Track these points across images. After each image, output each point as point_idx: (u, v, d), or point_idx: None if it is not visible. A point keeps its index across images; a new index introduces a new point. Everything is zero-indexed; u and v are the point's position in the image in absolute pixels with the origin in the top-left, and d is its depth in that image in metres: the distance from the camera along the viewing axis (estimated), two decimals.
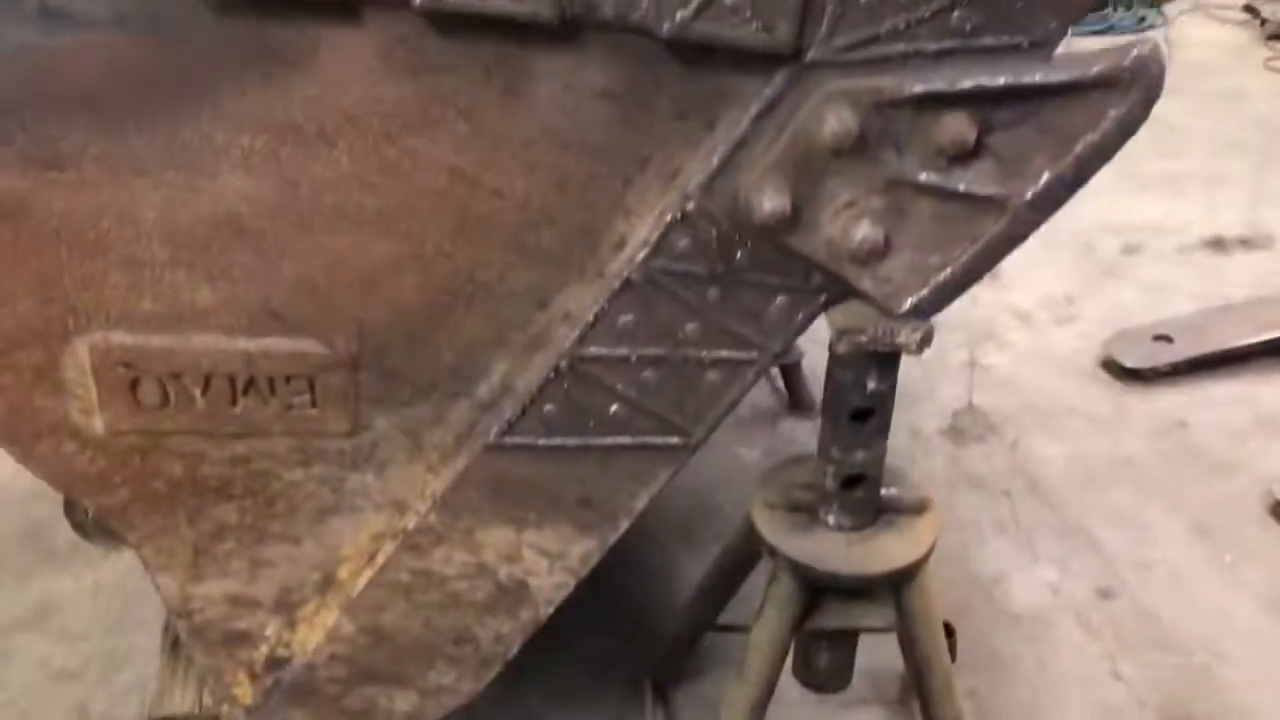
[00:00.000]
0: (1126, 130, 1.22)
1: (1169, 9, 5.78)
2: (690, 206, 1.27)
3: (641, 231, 1.29)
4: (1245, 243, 3.51)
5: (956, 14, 1.19)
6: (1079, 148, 1.22)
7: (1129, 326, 2.99)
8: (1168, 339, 2.88)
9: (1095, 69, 1.19)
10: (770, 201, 1.23)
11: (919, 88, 1.19)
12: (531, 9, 1.13)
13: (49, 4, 1.12)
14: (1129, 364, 2.83)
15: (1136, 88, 1.20)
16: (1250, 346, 2.83)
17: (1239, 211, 3.70)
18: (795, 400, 2.67)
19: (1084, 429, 2.66)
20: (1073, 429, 2.66)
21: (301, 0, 1.12)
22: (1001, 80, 1.19)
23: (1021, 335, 3.04)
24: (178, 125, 1.19)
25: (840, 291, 1.34)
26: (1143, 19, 5.62)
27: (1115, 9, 5.68)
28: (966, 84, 1.19)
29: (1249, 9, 5.63)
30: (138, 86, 1.17)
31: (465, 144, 1.23)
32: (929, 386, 2.81)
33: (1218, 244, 3.52)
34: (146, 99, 1.18)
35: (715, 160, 1.25)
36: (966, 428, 2.66)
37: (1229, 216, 3.66)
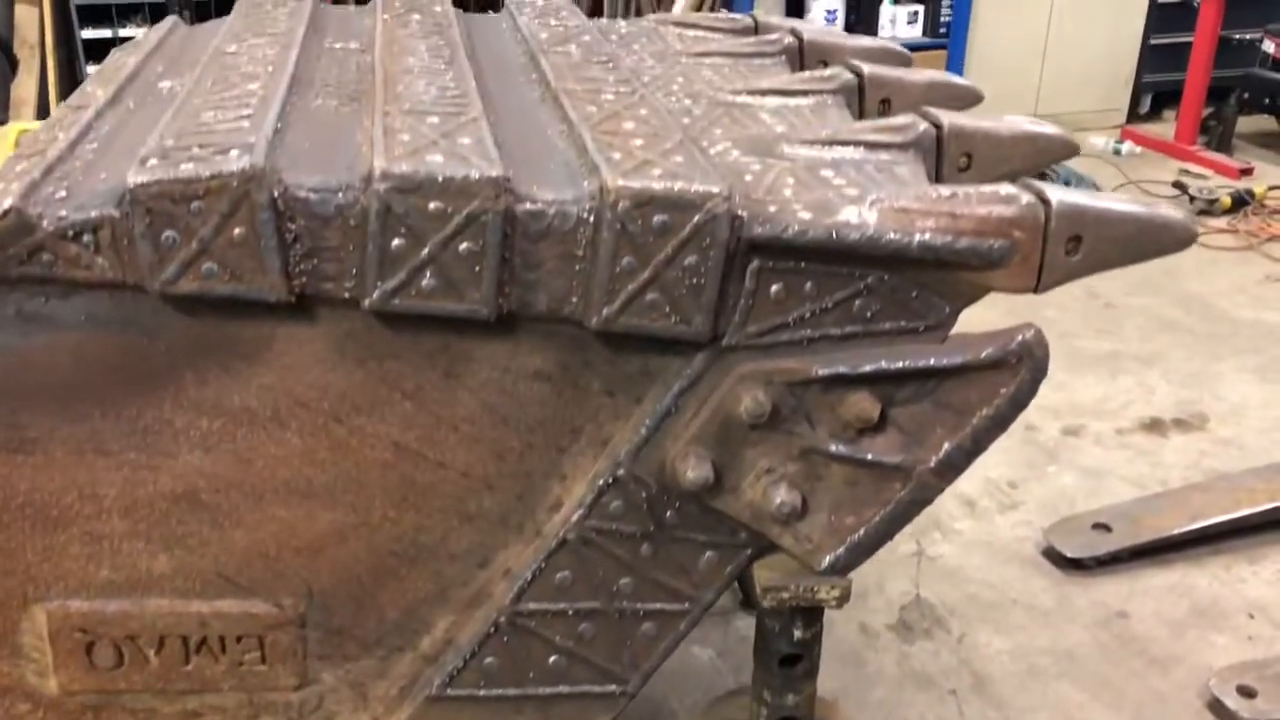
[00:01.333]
0: (1019, 404, 1.33)
1: (1104, 185, 6.08)
2: (621, 472, 1.36)
3: (576, 493, 1.38)
4: (1180, 424, 3.66)
5: (858, 303, 1.31)
6: (975, 420, 1.33)
7: (1070, 514, 3.09)
8: (1106, 528, 2.97)
9: (985, 352, 1.31)
10: (694, 471, 1.32)
11: (824, 370, 1.30)
12: (471, 308, 1.24)
13: (26, 309, 1.22)
14: (1069, 554, 2.91)
15: (1024, 368, 1.31)
16: (1184, 535, 2.93)
17: (1173, 391, 3.87)
18: (749, 598, 2.74)
19: (1027, 620, 2.73)
20: (1016, 621, 2.73)
21: (260, 302, 1.22)
22: (900, 364, 1.30)
23: (966, 524, 3.14)
24: (141, 411, 1.28)
25: (766, 545, 1.43)
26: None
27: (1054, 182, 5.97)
28: (868, 367, 1.30)
29: (1178, 185, 5.93)
30: (105, 378, 1.26)
31: (410, 422, 1.32)
32: (878, 579, 2.88)
33: (1154, 425, 3.66)
34: (113, 389, 1.27)
35: (643, 431, 1.35)
36: (914, 622, 2.73)
37: (1164, 398, 3.82)
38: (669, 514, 1.39)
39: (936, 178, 1.59)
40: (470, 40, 1.90)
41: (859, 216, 1.26)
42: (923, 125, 1.54)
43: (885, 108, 1.82)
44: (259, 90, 1.45)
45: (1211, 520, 2.98)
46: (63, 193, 1.21)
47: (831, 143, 1.51)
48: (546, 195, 1.24)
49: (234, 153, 1.20)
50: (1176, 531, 2.94)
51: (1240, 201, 5.68)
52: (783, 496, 1.34)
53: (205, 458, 1.31)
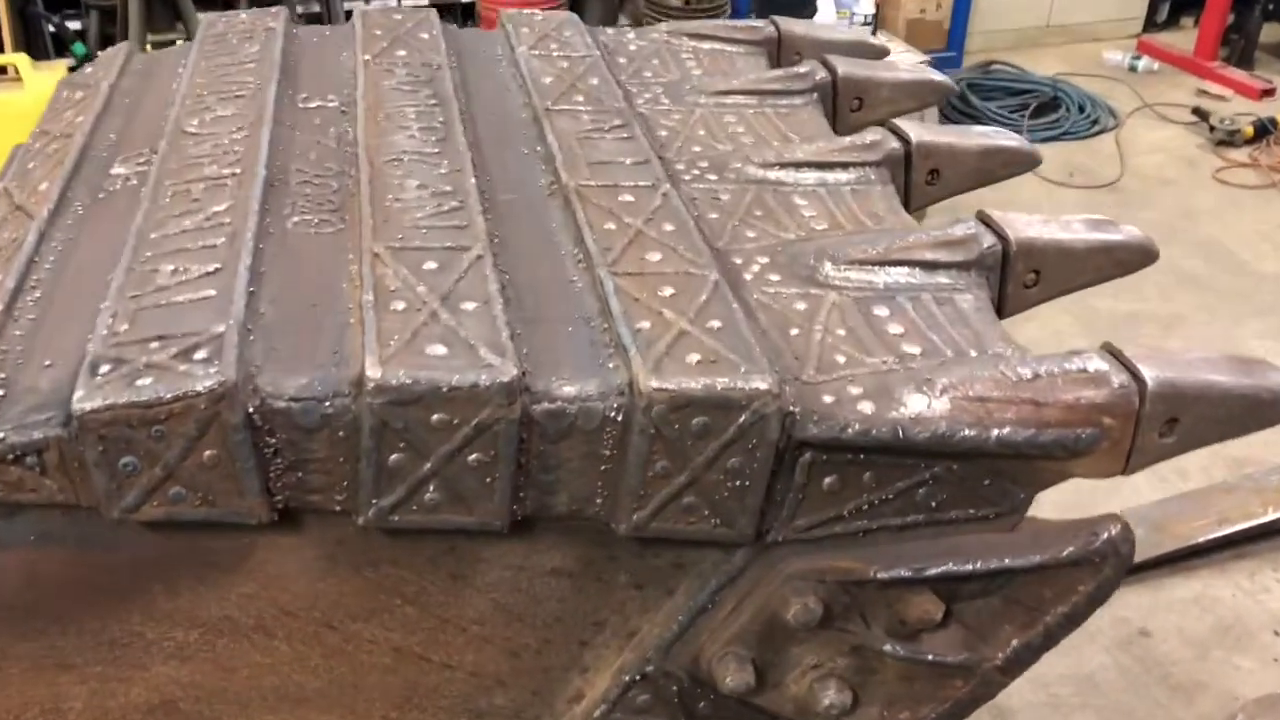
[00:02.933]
0: (1097, 602, 1.18)
1: (1120, 109, 5.83)
2: (650, 668, 1.22)
3: (600, 686, 1.24)
4: None
5: (922, 492, 1.15)
6: (1049, 618, 1.19)
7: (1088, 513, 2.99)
8: None
9: (1067, 551, 1.16)
10: (734, 677, 1.18)
11: (885, 574, 1.15)
12: (483, 520, 1.08)
13: None
14: None
15: (1108, 566, 1.16)
16: (1209, 543, 2.84)
17: None
18: None
19: None
20: None
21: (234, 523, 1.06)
22: (970, 566, 1.15)
23: None
24: (105, 625, 1.13)
25: None
26: (1095, 120, 5.66)
27: (1068, 112, 5.71)
28: (933, 570, 1.15)
29: (1198, 112, 5.68)
30: (62, 595, 1.11)
31: (412, 626, 1.17)
32: None
33: None
34: (70, 605, 1.11)
35: (675, 627, 1.20)
36: None
37: None
38: (702, 705, 1.25)
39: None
40: (465, 89, 1.68)
41: (928, 408, 1.09)
42: (988, 240, 1.35)
43: (934, 178, 1.63)
44: (226, 216, 1.25)
45: (1237, 527, 2.88)
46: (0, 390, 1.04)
47: (883, 263, 1.33)
48: (568, 390, 1.06)
49: (200, 354, 1.02)
50: (1202, 540, 2.84)
51: (1263, 130, 5.44)
52: (831, 697, 1.20)
53: (182, 667, 1.16)
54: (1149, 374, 1.13)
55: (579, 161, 1.47)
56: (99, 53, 4.34)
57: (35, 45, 5.09)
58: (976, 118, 5.57)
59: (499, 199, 1.42)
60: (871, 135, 1.60)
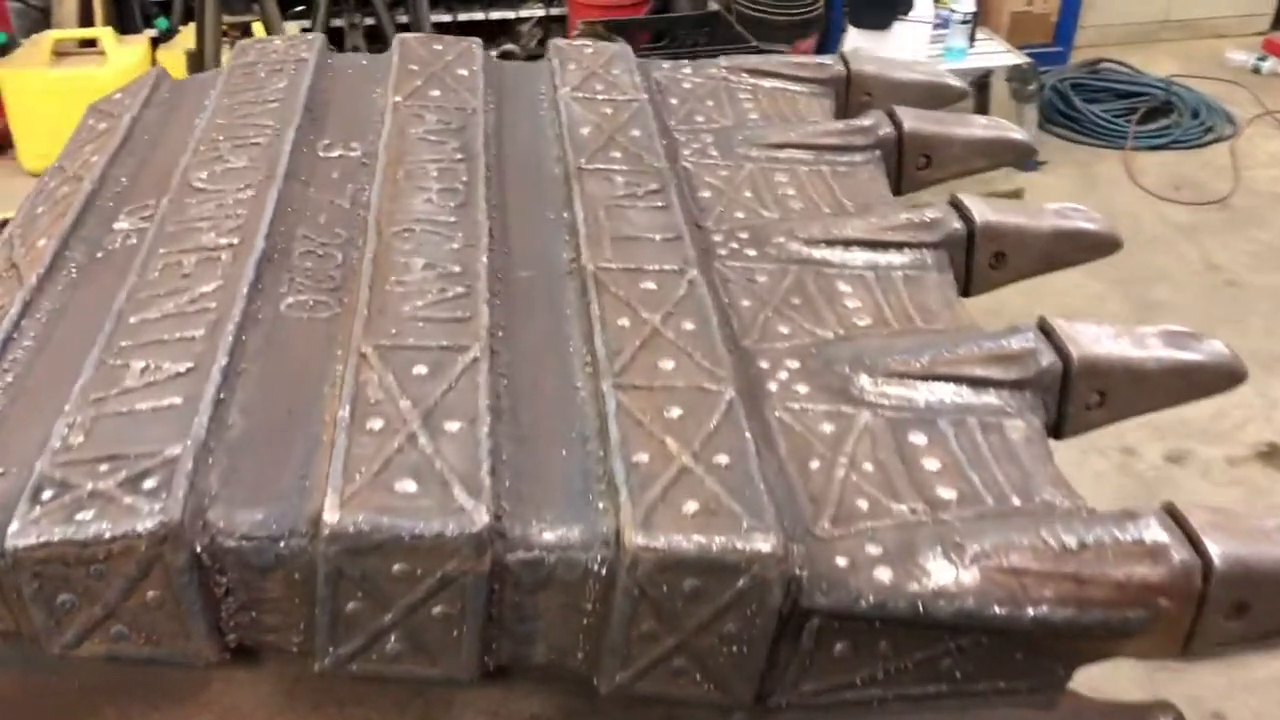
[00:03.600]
0: None
1: (1239, 115, 5.48)
2: None
3: None
4: None
5: (946, 662, 1.02)
6: None
7: None
8: None
9: None
10: None
11: None
12: (449, 673, 0.99)
13: None
14: None
15: None
16: None
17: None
18: None
19: None
20: None
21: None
22: None
23: None
24: None
25: None
26: (1210, 128, 5.32)
27: (1180, 117, 5.39)
28: None
29: None
30: (12, 714, 1.04)
31: None
32: None
33: (1273, 454, 3.29)
34: None
35: None
36: None
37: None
38: None
39: None
40: (499, 137, 1.58)
41: (955, 581, 0.96)
42: (1046, 358, 1.21)
43: (999, 262, 1.47)
44: (213, 300, 1.17)
45: None
46: None
47: (927, 377, 1.19)
48: (548, 537, 0.96)
49: (149, 482, 0.94)
50: None
51: None
52: None
53: None
54: (1216, 550, 0.98)
55: (603, 236, 1.35)
56: (179, 28, 4.29)
57: (126, 17, 5.12)
58: (1078, 120, 5.29)
59: (515, 275, 1.31)
60: (931, 212, 1.46)
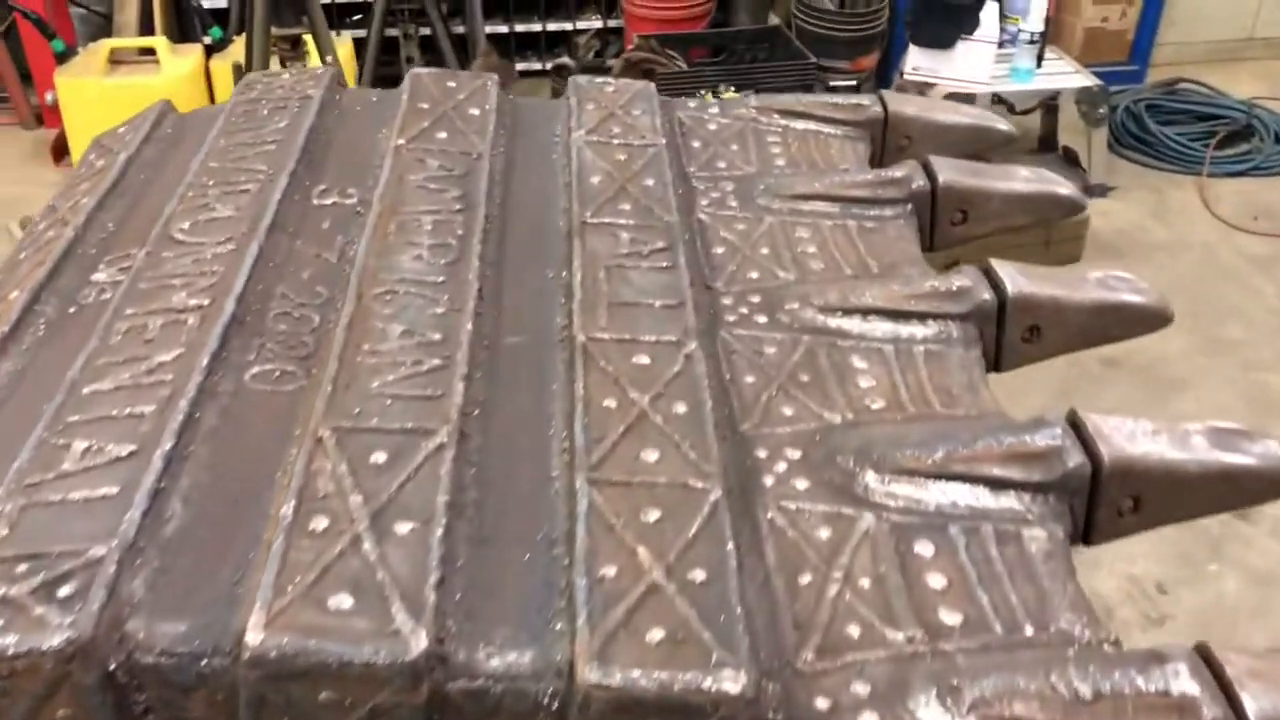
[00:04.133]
0: None
1: None
2: None
3: None
4: None
5: None
6: None
7: (1231, 636, 2.63)
8: None
9: None
10: None
11: None
12: None
13: None
14: None
15: None
16: None
17: None
18: None
19: None
20: None
21: None
22: None
23: None
24: None
25: None
26: None
27: (1262, 142, 5.15)
28: None
29: None
30: None
31: None
32: None
33: None
34: None
35: None
36: None
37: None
38: None
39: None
40: (506, 184, 1.49)
41: None
42: (1074, 458, 1.09)
43: (1033, 336, 1.35)
44: (170, 371, 1.10)
45: None
46: None
47: (943, 475, 1.08)
48: (494, 664, 0.87)
49: (65, 589, 0.87)
50: None
51: None
52: None
53: None
54: (1254, 707, 0.86)
55: (599, 301, 1.26)
56: (234, 37, 4.27)
57: (187, 26, 5.15)
58: (1151, 143, 5.08)
59: (502, 342, 1.23)
60: (960, 280, 1.34)
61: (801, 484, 1.08)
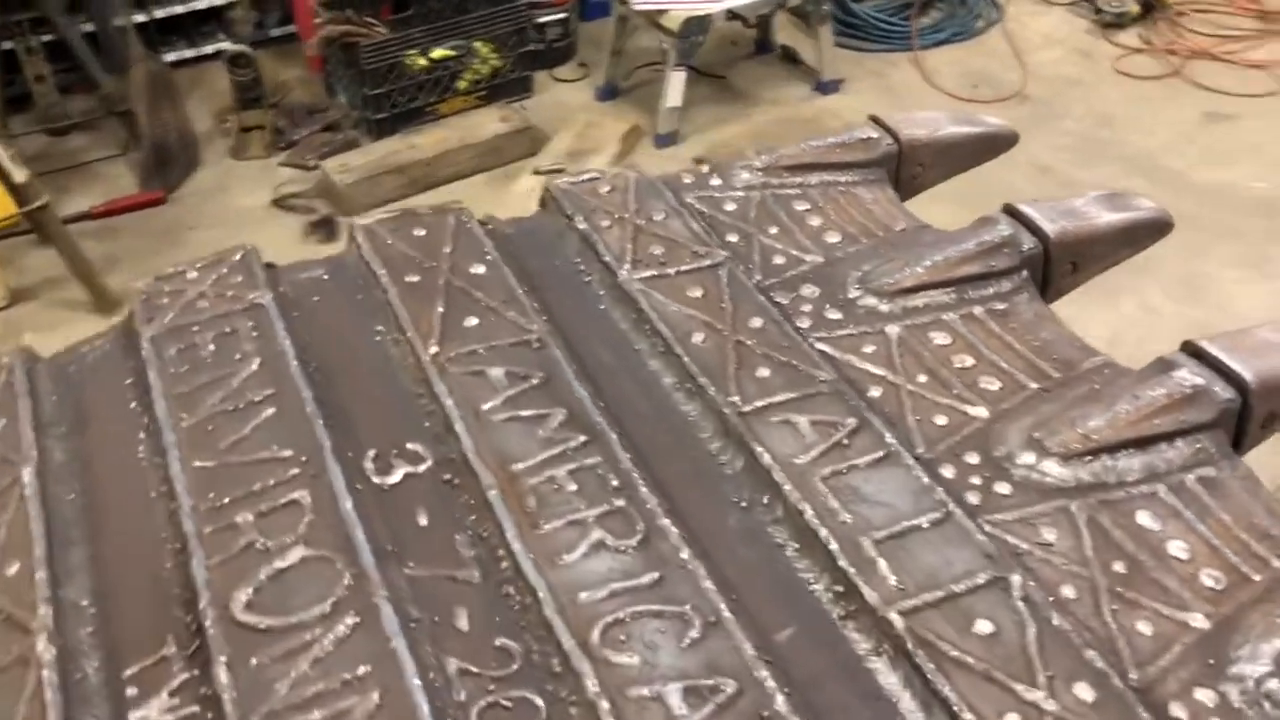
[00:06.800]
0: None
1: None
2: None
3: None
4: None
5: None
6: None
7: None
8: None
9: None
10: None
11: None
12: None
13: None
14: None
15: None
16: None
17: (1180, 311, 3.47)
18: None
19: None
20: None
21: None
22: None
23: None
24: None
25: None
26: (979, 15, 5.26)
27: (951, 6, 5.30)
28: None
29: None
30: None
31: None
32: None
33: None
34: None
35: None
36: None
37: (1172, 321, 3.42)
38: None
39: None
40: (585, 374, 1.13)
41: None
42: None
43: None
44: None
45: None
46: None
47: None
48: None
49: None
50: None
51: (1148, 7, 5.20)
52: None
53: None
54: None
55: (863, 544, 0.96)
56: None
57: None
58: (860, 28, 5.12)
59: (793, 671, 0.90)
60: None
61: None
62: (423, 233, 1.29)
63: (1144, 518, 1.05)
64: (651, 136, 4.43)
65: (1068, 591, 0.97)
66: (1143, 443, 1.10)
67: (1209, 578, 1.00)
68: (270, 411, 1.05)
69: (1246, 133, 4.48)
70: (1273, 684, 0.90)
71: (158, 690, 0.88)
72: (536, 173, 4.06)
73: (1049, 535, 1.02)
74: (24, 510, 1.00)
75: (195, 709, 0.86)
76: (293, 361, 1.10)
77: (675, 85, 4.30)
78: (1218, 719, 0.88)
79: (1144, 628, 0.95)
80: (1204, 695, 0.90)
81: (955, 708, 0.85)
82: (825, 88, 4.77)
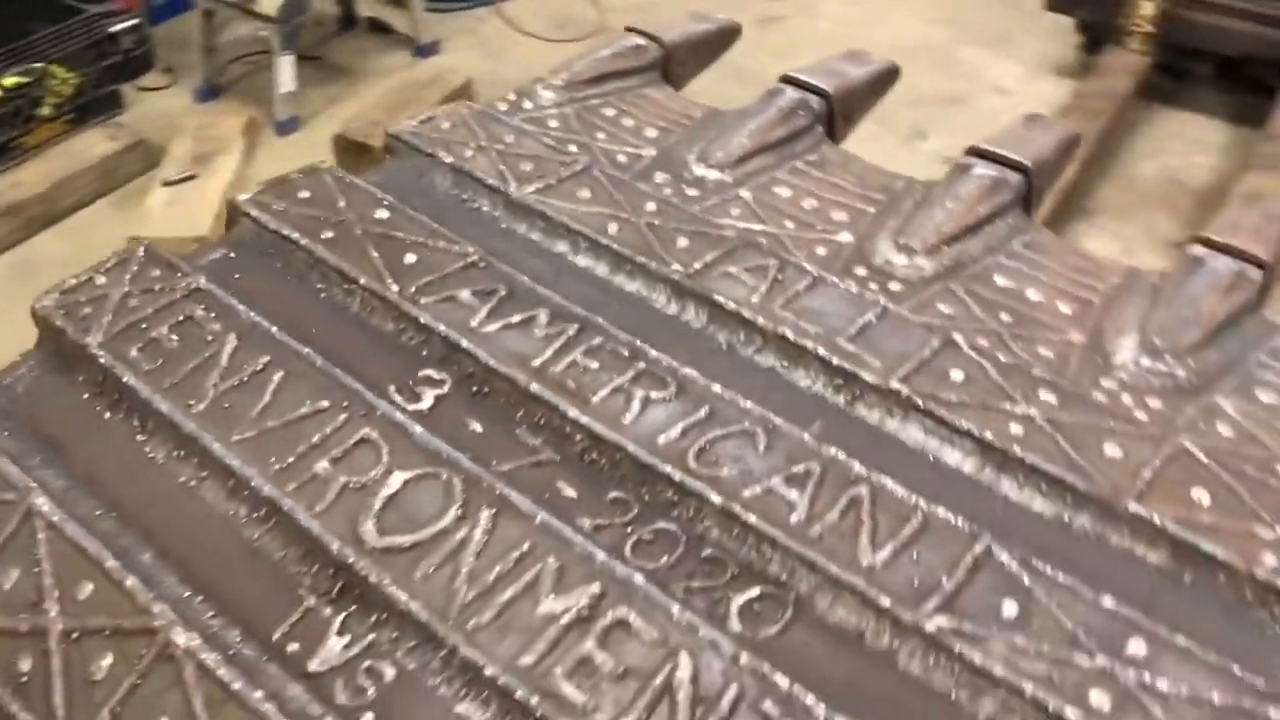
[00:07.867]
0: None
1: None
2: None
3: None
4: None
5: None
6: None
7: None
8: None
9: None
10: None
11: None
12: None
13: None
14: None
15: None
16: None
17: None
18: None
19: None
20: None
21: None
22: None
23: None
24: None
25: None
26: None
27: None
28: None
29: None
30: None
31: None
32: None
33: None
34: None
35: None
36: None
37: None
38: None
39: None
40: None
41: None
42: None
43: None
44: None
45: None
46: None
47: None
48: None
49: None
50: None
51: None
52: None
53: None
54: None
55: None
56: None
57: None
58: None
59: None
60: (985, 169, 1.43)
61: None
62: (308, 194, 1.30)
63: (1000, 279, 1.33)
64: (271, 126, 4.30)
65: (983, 341, 1.22)
66: (975, 227, 1.38)
67: (1065, 308, 1.29)
68: (279, 375, 1.06)
69: (796, 32, 5.12)
70: (1144, 360, 1.21)
71: (322, 636, 0.89)
72: (166, 184, 3.82)
73: (947, 309, 1.27)
74: (61, 534, 0.95)
75: (373, 636, 0.89)
76: (272, 327, 1.10)
77: (286, 70, 4.19)
78: (1127, 387, 1.17)
79: (1045, 351, 1.22)
80: (1108, 382, 1.19)
81: (976, 434, 1.06)
82: (425, 50, 4.83)
